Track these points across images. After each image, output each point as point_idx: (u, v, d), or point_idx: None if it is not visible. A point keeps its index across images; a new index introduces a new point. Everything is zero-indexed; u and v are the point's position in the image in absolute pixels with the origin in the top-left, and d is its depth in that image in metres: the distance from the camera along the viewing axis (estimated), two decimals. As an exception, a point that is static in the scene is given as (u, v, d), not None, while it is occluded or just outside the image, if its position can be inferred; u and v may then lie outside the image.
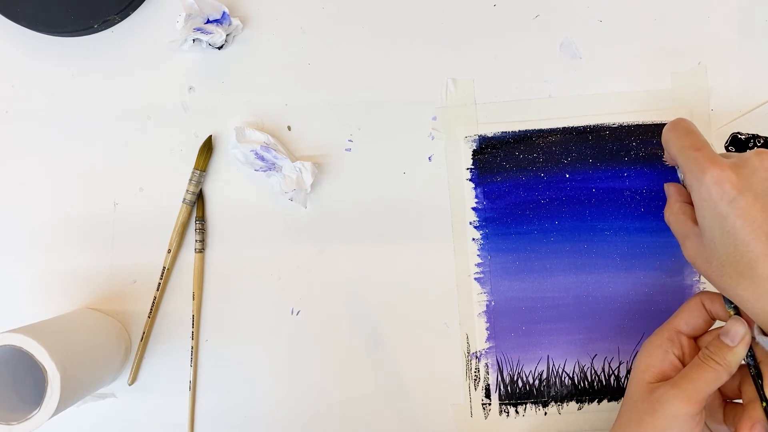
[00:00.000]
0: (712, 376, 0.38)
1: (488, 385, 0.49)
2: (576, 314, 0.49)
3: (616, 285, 0.49)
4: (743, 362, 0.39)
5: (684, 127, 0.41)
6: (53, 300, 0.50)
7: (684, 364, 0.41)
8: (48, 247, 0.50)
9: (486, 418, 0.49)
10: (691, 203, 0.40)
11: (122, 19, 0.51)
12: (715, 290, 0.41)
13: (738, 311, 0.40)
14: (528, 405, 0.49)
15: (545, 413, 0.49)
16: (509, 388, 0.49)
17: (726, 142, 0.49)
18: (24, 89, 0.51)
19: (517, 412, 0.49)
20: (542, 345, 0.49)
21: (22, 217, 0.51)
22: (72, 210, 0.51)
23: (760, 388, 0.38)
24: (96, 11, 0.49)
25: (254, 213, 0.50)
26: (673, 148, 0.41)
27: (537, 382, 0.49)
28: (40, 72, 0.51)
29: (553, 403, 0.49)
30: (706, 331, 0.42)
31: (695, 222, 0.39)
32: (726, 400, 0.42)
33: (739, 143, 0.48)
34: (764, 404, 0.38)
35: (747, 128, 0.48)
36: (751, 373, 0.39)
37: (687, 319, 0.42)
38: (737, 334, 0.39)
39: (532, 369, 0.49)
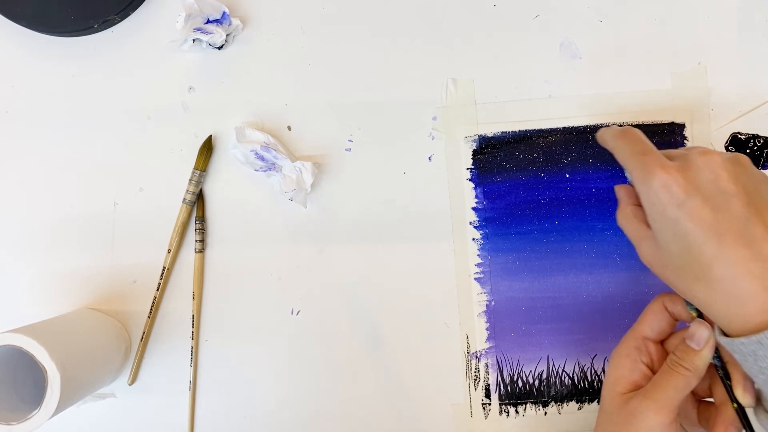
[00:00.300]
0: (683, 383, 0.38)
1: (488, 385, 0.49)
2: (576, 314, 0.49)
3: (616, 285, 0.49)
4: (712, 362, 0.39)
5: (633, 136, 0.41)
6: (53, 300, 0.50)
7: (653, 371, 0.40)
8: (48, 247, 0.50)
9: (486, 418, 0.49)
10: (641, 205, 0.39)
11: (122, 19, 0.51)
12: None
13: (700, 312, 0.40)
14: (528, 405, 0.49)
15: (545, 413, 0.49)
16: (509, 388, 0.49)
17: (726, 142, 0.49)
18: (24, 89, 0.51)
19: (517, 412, 0.49)
20: (542, 345, 0.49)
21: (22, 217, 0.51)
22: (72, 210, 0.51)
23: (729, 390, 0.38)
24: (96, 11, 0.49)
25: (254, 213, 0.50)
26: (620, 154, 0.40)
27: (537, 382, 0.49)
28: (40, 72, 0.51)
29: (553, 403, 0.49)
30: (671, 333, 0.42)
31: (648, 225, 0.39)
32: (699, 400, 0.42)
33: (739, 143, 0.48)
34: (735, 405, 0.38)
35: (747, 128, 0.48)
36: (719, 374, 0.39)
37: (651, 323, 0.41)
38: (702, 337, 0.38)
39: (532, 369, 0.49)
